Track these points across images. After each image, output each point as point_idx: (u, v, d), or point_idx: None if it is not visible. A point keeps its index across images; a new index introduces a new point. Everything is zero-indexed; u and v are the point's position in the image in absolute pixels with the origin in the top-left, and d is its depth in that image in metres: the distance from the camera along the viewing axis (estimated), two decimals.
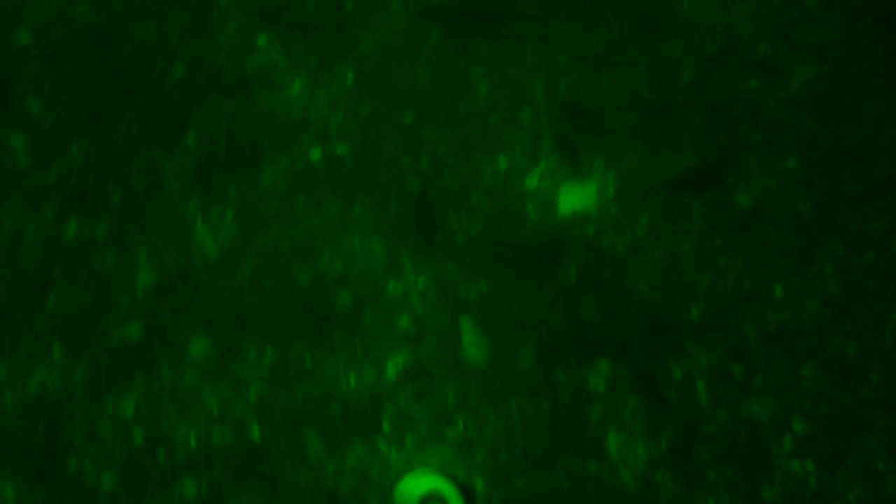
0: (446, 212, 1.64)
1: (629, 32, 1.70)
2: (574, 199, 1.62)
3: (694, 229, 1.59)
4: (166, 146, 1.66)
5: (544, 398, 1.59)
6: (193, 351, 1.61)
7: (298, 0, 1.77)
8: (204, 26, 1.71)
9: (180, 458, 1.59)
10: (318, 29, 1.73)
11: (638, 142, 1.61)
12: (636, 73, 1.67)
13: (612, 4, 1.70)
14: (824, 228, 1.58)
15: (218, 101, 1.67)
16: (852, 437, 1.54)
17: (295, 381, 1.62)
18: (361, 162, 1.65)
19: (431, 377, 1.61)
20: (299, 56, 1.69)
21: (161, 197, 1.65)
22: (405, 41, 1.72)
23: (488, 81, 1.65)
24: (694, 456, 1.55)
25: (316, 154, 1.64)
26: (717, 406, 1.56)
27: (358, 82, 1.67)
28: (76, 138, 1.67)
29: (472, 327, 1.62)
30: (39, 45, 1.72)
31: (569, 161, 1.63)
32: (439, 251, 1.65)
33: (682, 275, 1.58)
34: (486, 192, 1.64)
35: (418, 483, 1.51)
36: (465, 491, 1.54)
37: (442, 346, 1.62)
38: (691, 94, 1.64)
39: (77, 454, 1.59)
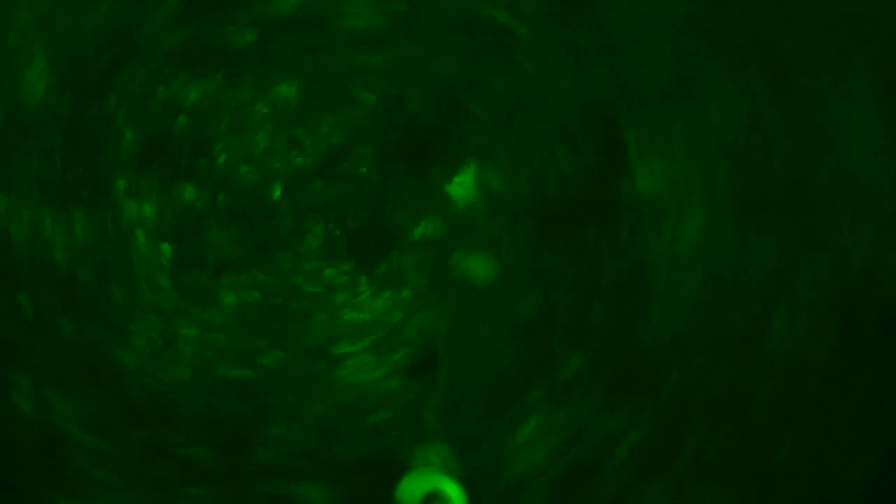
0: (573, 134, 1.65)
1: None
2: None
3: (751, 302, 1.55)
4: None
5: (516, 344, 1.61)
6: (281, 91, 1.62)
7: None
8: None
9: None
10: None
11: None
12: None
13: None
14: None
15: None
16: None
17: (340, 179, 1.66)
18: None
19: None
20: None
21: None
22: None
23: None
24: None
25: (502, 17, 1.62)
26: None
27: None
28: None
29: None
30: None
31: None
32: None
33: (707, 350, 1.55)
34: None
35: (420, 483, 1.51)
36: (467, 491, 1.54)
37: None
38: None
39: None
